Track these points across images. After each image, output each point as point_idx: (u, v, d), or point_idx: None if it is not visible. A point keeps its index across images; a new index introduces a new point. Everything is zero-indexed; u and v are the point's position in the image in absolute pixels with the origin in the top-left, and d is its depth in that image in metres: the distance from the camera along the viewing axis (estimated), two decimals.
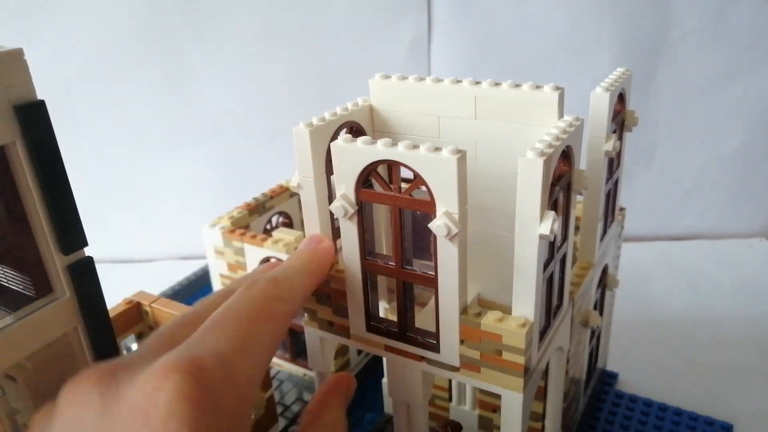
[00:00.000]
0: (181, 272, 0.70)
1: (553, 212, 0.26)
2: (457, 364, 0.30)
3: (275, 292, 0.26)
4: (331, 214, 0.32)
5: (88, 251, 0.28)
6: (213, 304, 0.27)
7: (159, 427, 0.19)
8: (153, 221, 0.84)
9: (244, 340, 0.23)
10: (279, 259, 0.46)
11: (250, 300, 0.25)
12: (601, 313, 0.47)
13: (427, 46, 0.75)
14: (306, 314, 0.34)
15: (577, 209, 0.33)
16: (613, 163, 0.41)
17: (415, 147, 0.26)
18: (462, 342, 0.29)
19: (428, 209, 0.26)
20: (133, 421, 0.20)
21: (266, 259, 0.47)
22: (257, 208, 0.53)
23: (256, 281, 0.27)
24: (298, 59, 0.76)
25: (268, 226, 0.55)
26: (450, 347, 0.29)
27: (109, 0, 0.72)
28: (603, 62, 0.73)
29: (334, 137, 0.32)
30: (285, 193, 0.56)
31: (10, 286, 0.28)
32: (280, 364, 0.54)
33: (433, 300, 0.29)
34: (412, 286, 0.30)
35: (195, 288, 0.67)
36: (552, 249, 0.30)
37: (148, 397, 0.20)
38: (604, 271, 0.45)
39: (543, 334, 0.31)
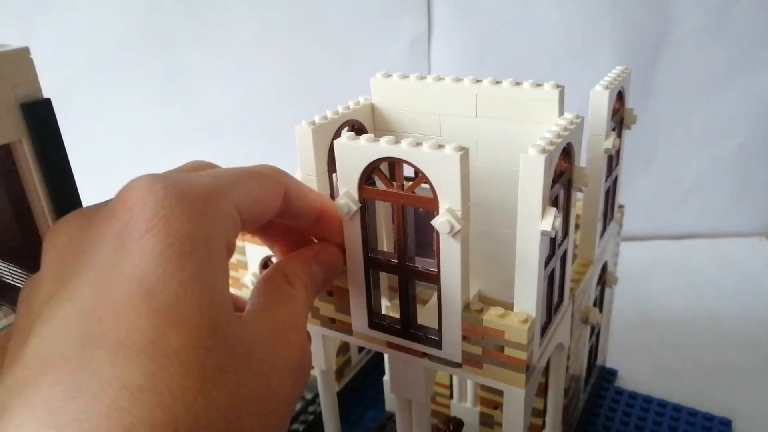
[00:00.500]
0: None
1: (554, 209, 0.26)
2: (459, 360, 0.30)
3: (268, 165, 0.26)
4: None
5: None
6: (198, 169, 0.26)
7: (123, 215, 0.19)
8: None
9: (220, 173, 0.23)
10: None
11: (238, 167, 0.25)
12: (600, 310, 0.47)
13: (427, 46, 0.75)
14: None
15: (576, 207, 0.33)
16: (613, 160, 0.41)
17: (418, 144, 0.26)
18: (464, 338, 0.29)
19: (431, 206, 0.26)
20: (100, 223, 0.20)
21: (267, 259, 0.47)
22: None
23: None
24: (298, 59, 0.76)
25: None
26: (452, 343, 0.30)
27: (109, 0, 0.72)
28: (603, 61, 0.73)
29: (336, 135, 0.32)
30: None
31: (15, 283, 0.28)
32: None
33: (435, 297, 0.29)
34: (415, 283, 0.30)
35: None
36: (553, 245, 0.30)
37: (115, 200, 0.20)
38: (604, 268, 0.45)
39: (544, 330, 0.31)
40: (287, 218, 0.27)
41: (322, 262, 0.29)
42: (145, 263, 0.18)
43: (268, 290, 0.25)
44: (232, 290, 0.47)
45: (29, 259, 0.27)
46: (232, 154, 0.81)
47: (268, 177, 0.25)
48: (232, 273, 0.50)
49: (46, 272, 0.21)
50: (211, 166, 0.27)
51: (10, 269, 0.28)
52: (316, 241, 0.30)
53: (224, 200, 0.21)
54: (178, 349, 0.17)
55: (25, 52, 0.24)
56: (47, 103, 0.25)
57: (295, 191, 0.26)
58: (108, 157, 0.80)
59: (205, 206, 0.20)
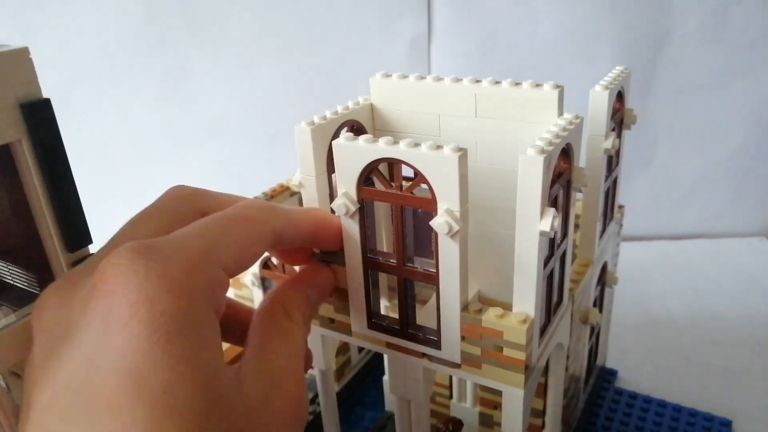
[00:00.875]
0: None
1: (553, 209, 0.26)
2: (458, 360, 0.30)
3: (252, 203, 0.25)
4: (333, 212, 0.32)
5: (91, 249, 0.28)
6: (179, 204, 0.25)
7: (106, 298, 0.19)
8: None
9: (209, 233, 0.22)
10: None
11: (231, 210, 0.24)
12: (600, 311, 0.47)
13: (427, 46, 0.75)
14: None
15: (576, 207, 0.33)
16: (612, 161, 0.41)
17: (417, 145, 0.26)
18: (463, 339, 0.29)
19: (430, 207, 0.26)
20: (84, 303, 0.19)
21: (267, 259, 0.47)
22: None
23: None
24: (298, 59, 0.76)
25: None
26: (451, 344, 0.30)
27: (109, 0, 0.72)
28: (602, 61, 0.73)
29: (335, 136, 0.32)
30: (285, 192, 0.56)
31: (15, 283, 0.28)
32: None
33: (434, 297, 0.29)
34: (413, 284, 0.30)
35: None
36: (552, 246, 0.30)
37: (96, 277, 0.19)
38: (604, 268, 0.45)
39: (543, 330, 0.31)
40: (279, 248, 0.27)
41: (317, 286, 0.29)
42: (132, 352, 0.18)
43: (268, 328, 0.25)
44: (231, 292, 0.47)
45: (29, 259, 0.27)
46: (232, 154, 0.81)
47: (254, 221, 0.24)
48: None
49: (37, 356, 0.21)
50: (194, 195, 0.26)
51: (10, 269, 0.28)
52: (316, 251, 0.31)
53: (210, 265, 0.21)
54: None
55: (24, 52, 0.24)
56: (47, 103, 0.25)
57: (282, 225, 0.26)
58: (108, 157, 0.80)
59: (189, 279, 0.20)
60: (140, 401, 0.17)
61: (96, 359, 0.18)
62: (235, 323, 0.27)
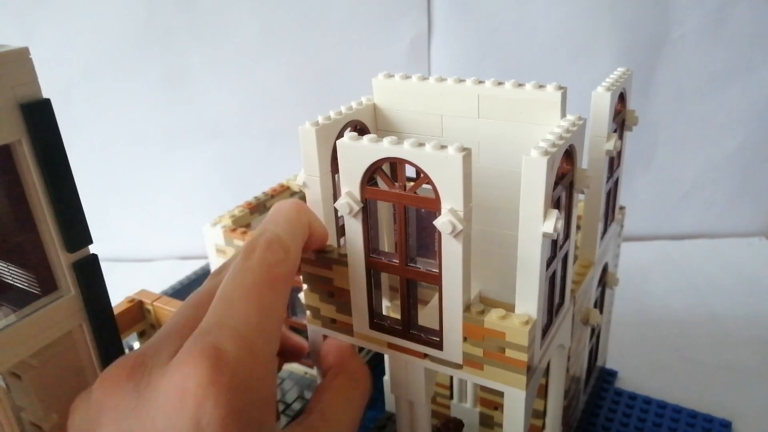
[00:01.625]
0: (182, 272, 0.70)
1: (556, 211, 0.26)
2: (460, 361, 0.30)
3: (273, 257, 0.26)
4: (336, 213, 0.32)
5: (91, 250, 0.28)
6: (218, 281, 0.28)
7: (194, 413, 0.21)
8: (154, 221, 0.84)
9: (256, 314, 0.24)
10: None
11: (252, 272, 0.26)
12: (601, 312, 0.47)
13: (427, 46, 0.75)
14: (308, 312, 0.35)
15: (578, 208, 0.33)
16: (614, 162, 0.41)
17: (421, 145, 0.26)
18: (465, 339, 0.29)
19: (433, 207, 0.26)
20: (168, 409, 0.21)
21: None
22: (258, 207, 0.53)
23: (252, 249, 0.27)
24: (298, 59, 0.76)
25: None
26: (453, 345, 0.30)
27: (109, 0, 0.72)
28: (603, 62, 0.73)
29: (339, 136, 0.32)
30: (286, 192, 0.56)
31: (15, 283, 0.28)
32: None
33: (436, 298, 0.29)
34: (416, 284, 0.30)
35: (196, 287, 0.67)
36: (555, 247, 0.30)
37: (179, 385, 0.21)
38: (605, 269, 0.45)
39: (545, 332, 0.31)
40: None
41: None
42: None
43: (330, 390, 0.31)
44: None
45: (29, 259, 0.27)
46: (232, 154, 0.81)
47: (283, 279, 0.27)
48: None
49: (105, 417, 0.23)
50: (208, 297, 0.27)
51: (10, 269, 0.28)
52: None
53: (271, 361, 0.25)
54: None
55: (24, 52, 0.24)
56: (47, 103, 0.25)
57: (297, 265, 0.29)
58: (108, 157, 0.80)
59: (262, 388, 0.23)
60: None
61: None
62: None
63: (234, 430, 0.21)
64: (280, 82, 0.77)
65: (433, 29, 0.74)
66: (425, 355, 0.31)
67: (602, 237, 0.41)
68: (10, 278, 0.28)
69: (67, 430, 0.24)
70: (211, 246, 0.50)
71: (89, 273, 0.28)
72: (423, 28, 0.74)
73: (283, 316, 0.27)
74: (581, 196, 0.38)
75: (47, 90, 0.25)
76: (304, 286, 0.34)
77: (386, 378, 0.48)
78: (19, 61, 0.24)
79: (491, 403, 0.43)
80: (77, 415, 0.24)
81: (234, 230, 0.48)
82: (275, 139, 0.79)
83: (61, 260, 0.27)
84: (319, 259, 0.32)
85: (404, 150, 0.26)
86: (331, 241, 0.32)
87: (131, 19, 0.73)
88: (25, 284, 0.28)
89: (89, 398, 0.24)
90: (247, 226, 0.51)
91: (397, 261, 0.29)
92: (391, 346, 0.32)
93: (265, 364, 0.24)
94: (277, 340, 0.26)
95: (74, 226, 0.27)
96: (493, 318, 0.28)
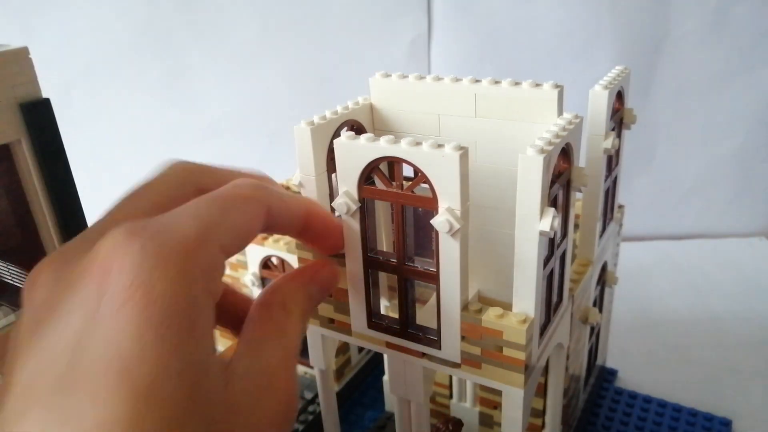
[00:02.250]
0: None
1: (553, 209, 0.26)
2: (458, 360, 0.30)
3: (247, 182, 0.24)
4: (333, 211, 0.32)
5: None
6: (179, 181, 0.25)
7: (99, 278, 0.18)
8: None
9: (207, 214, 0.21)
10: (280, 258, 0.46)
11: (232, 192, 0.23)
12: (600, 310, 0.47)
13: (427, 46, 0.75)
14: None
15: (576, 207, 0.33)
16: (612, 160, 0.41)
17: (418, 144, 0.26)
18: (463, 338, 0.29)
19: (430, 206, 0.26)
20: (75, 281, 0.19)
21: (267, 259, 0.47)
22: None
23: (242, 181, 0.24)
24: (298, 59, 0.76)
25: None
26: (451, 344, 0.30)
27: (109, 0, 0.72)
28: (602, 61, 0.73)
29: (335, 136, 0.32)
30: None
31: (14, 283, 0.28)
32: None
33: (434, 297, 0.29)
34: (414, 283, 0.30)
35: None
36: (552, 246, 0.30)
37: (91, 256, 0.19)
38: (604, 268, 0.45)
39: (543, 330, 0.31)
40: (270, 231, 0.26)
41: (320, 281, 0.28)
42: (122, 339, 0.17)
43: (263, 323, 0.24)
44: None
45: (29, 258, 0.27)
46: (232, 154, 0.81)
47: (250, 199, 0.23)
48: (232, 273, 0.50)
49: (24, 330, 0.20)
50: (192, 171, 0.25)
51: (9, 269, 0.28)
52: (307, 245, 0.30)
53: (207, 248, 0.20)
54: (158, 430, 0.17)
55: (24, 52, 0.24)
56: (46, 103, 0.25)
57: (276, 206, 0.25)
58: (107, 157, 0.80)
59: (187, 263, 0.19)
60: (124, 391, 0.17)
61: (84, 341, 0.17)
62: (230, 309, 0.27)
63: (143, 308, 0.17)
64: (280, 82, 0.77)
65: (433, 29, 0.75)
66: (423, 354, 0.31)
67: (601, 236, 0.41)
68: (10, 278, 0.28)
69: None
70: None
71: None
72: (423, 28, 0.74)
73: (244, 232, 0.23)
74: (579, 195, 0.38)
75: (47, 90, 0.26)
76: None
77: (386, 378, 0.48)
78: (18, 60, 0.24)
79: (491, 402, 0.43)
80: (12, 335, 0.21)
81: None
82: (275, 138, 0.79)
83: None
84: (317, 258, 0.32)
85: (401, 149, 0.26)
86: None
87: (131, 19, 0.73)
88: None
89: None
90: None
91: (395, 260, 0.29)
92: (389, 345, 0.32)
93: (197, 253, 0.19)
94: (228, 247, 0.21)
95: (73, 225, 0.27)
96: (490, 317, 0.28)
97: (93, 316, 0.18)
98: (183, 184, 0.25)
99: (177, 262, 0.19)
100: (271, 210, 0.24)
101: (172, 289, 0.18)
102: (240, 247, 0.23)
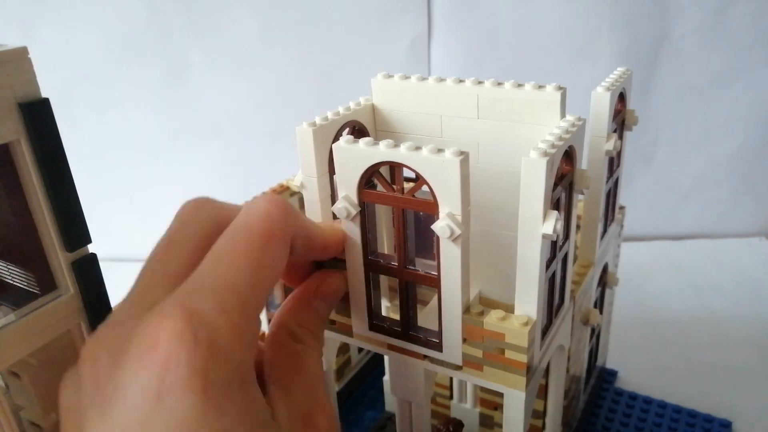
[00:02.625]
0: None
1: (555, 212, 0.26)
2: (459, 362, 0.30)
3: (276, 211, 0.24)
4: (334, 215, 0.32)
5: (90, 249, 0.28)
6: (196, 221, 0.25)
7: (158, 369, 0.20)
8: (153, 220, 0.84)
9: (241, 280, 0.22)
10: None
11: (250, 228, 0.24)
12: (601, 312, 0.47)
13: (427, 46, 0.75)
14: None
15: (577, 208, 0.33)
16: (614, 162, 0.41)
17: (418, 148, 0.26)
18: (464, 340, 0.29)
19: (431, 210, 0.26)
20: (135, 368, 0.20)
21: None
22: None
23: (257, 202, 0.25)
24: (298, 59, 0.76)
25: None
26: (453, 346, 0.29)
27: (109, 0, 0.72)
28: (603, 62, 0.73)
29: (337, 137, 0.32)
30: (285, 192, 0.56)
31: (14, 283, 0.28)
32: None
33: (435, 299, 0.29)
34: (415, 286, 0.30)
35: None
36: (554, 248, 0.30)
37: (148, 342, 0.20)
38: (604, 269, 0.45)
39: (545, 332, 0.31)
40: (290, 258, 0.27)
41: (324, 295, 0.29)
42: (188, 423, 0.19)
43: (280, 360, 0.26)
44: None
45: (29, 259, 0.27)
46: (232, 154, 0.81)
47: (277, 239, 0.24)
48: None
49: (89, 401, 0.21)
50: (211, 211, 0.26)
51: (9, 269, 0.28)
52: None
53: (249, 320, 0.22)
54: None
55: (23, 51, 0.24)
56: (46, 102, 0.25)
57: (300, 239, 0.26)
58: (107, 157, 0.80)
59: (235, 343, 0.21)
60: None
61: (150, 424, 0.19)
62: None
63: (202, 392, 0.19)
64: (280, 82, 0.77)
65: (433, 29, 0.74)
66: (425, 357, 0.31)
67: (602, 237, 0.41)
68: (10, 278, 0.28)
69: (58, 411, 0.23)
70: None
71: (88, 272, 0.28)
72: (423, 28, 0.74)
73: (275, 279, 0.24)
74: (581, 197, 0.38)
75: (47, 90, 0.25)
76: None
77: (386, 378, 0.48)
78: (18, 60, 0.24)
79: (491, 403, 0.43)
80: (66, 390, 0.23)
81: None
82: (275, 139, 0.79)
83: (60, 259, 0.27)
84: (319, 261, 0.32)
85: (401, 154, 0.26)
86: None
87: (131, 19, 0.72)
88: (25, 283, 0.28)
89: (75, 374, 0.23)
90: None
91: (396, 263, 0.29)
92: (390, 347, 0.32)
93: (241, 326, 0.22)
94: (262, 303, 0.23)
95: (73, 226, 0.27)
96: (492, 319, 0.28)
97: (156, 404, 0.20)
98: (206, 228, 0.25)
99: (227, 346, 0.21)
100: (293, 243, 0.25)
101: (226, 371, 0.20)
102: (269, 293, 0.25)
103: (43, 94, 0.25)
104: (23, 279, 0.28)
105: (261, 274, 0.23)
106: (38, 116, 0.25)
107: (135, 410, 0.20)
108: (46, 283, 0.27)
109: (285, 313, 0.28)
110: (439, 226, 0.26)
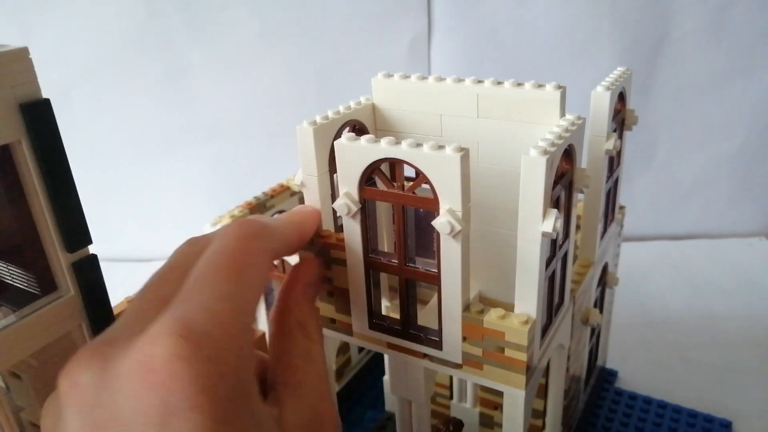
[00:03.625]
0: None
1: (555, 210, 0.26)
2: (459, 361, 0.30)
3: (249, 230, 0.25)
4: (334, 212, 0.32)
5: (90, 250, 0.28)
6: (189, 254, 0.26)
7: (162, 394, 0.19)
8: (153, 220, 0.84)
9: (227, 285, 0.23)
10: (281, 258, 0.46)
11: (226, 246, 0.24)
12: (601, 311, 0.47)
13: (427, 46, 0.75)
14: None
15: (577, 208, 0.33)
16: (614, 161, 0.41)
17: (419, 145, 0.26)
18: (464, 339, 0.29)
19: (431, 207, 0.26)
20: (133, 392, 0.20)
21: None
22: (258, 207, 0.53)
23: (227, 226, 0.26)
24: (298, 59, 0.76)
25: None
26: (452, 344, 0.29)
27: (109, 0, 0.72)
28: (603, 61, 0.73)
29: (338, 136, 0.32)
30: (285, 192, 0.56)
31: (14, 283, 0.28)
32: None
33: (435, 297, 0.29)
34: (415, 284, 0.30)
35: None
36: (554, 247, 0.30)
37: (144, 364, 0.20)
38: (604, 269, 0.45)
39: (545, 331, 0.31)
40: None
41: (312, 282, 0.30)
42: None
43: (287, 354, 0.26)
44: None
45: (29, 259, 0.27)
46: (233, 154, 0.81)
47: (258, 253, 0.25)
48: None
49: (80, 427, 0.21)
50: (202, 243, 0.26)
51: (9, 269, 0.28)
52: None
53: (246, 331, 0.22)
54: None
55: (24, 52, 0.24)
56: (46, 103, 0.25)
57: (278, 246, 0.27)
58: (108, 157, 0.80)
59: (236, 356, 0.21)
60: None
61: None
62: None
63: (209, 409, 0.19)
64: (280, 82, 0.77)
65: (433, 29, 0.74)
66: (425, 355, 0.31)
67: (602, 237, 0.41)
68: (10, 278, 0.28)
69: None
70: None
71: (89, 273, 0.28)
72: (423, 28, 0.74)
73: (260, 291, 0.25)
74: (581, 196, 0.38)
75: (47, 90, 0.25)
76: None
77: (386, 378, 0.48)
78: (18, 61, 0.24)
79: (491, 402, 0.43)
80: (47, 419, 0.22)
81: None
82: (275, 139, 0.79)
83: (60, 260, 0.27)
84: (319, 258, 0.32)
85: (402, 150, 0.26)
86: None
87: (131, 19, 0.73)
88: (25, 284, 0.28)
89: (56, 400, 0.22)
90: None
91: (396, 261, 0.29)
92: (390, 346, 0.32)
93: (238, 336, 0.22)
94: (253, 312, 0.24)
95: (74, 226, 0.27)
96: (492, 318, 0.28)
97: (161, 425, 0.19)
98: (198, 259, 0.25)
99: (228, 361, 0.21)
100: (274, 251, 0.27)
101: (229, 385, 0.20)
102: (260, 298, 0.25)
103: (44, 94, 0.25)
104: (24, 280, 0.28)
105: (246, 283, 0.23)
106: (39, 117, 0.25)
107: None
108: (47, 283, 0.27)
109: (291, 301, 0.28)
110: (440, 222, 0.26)
